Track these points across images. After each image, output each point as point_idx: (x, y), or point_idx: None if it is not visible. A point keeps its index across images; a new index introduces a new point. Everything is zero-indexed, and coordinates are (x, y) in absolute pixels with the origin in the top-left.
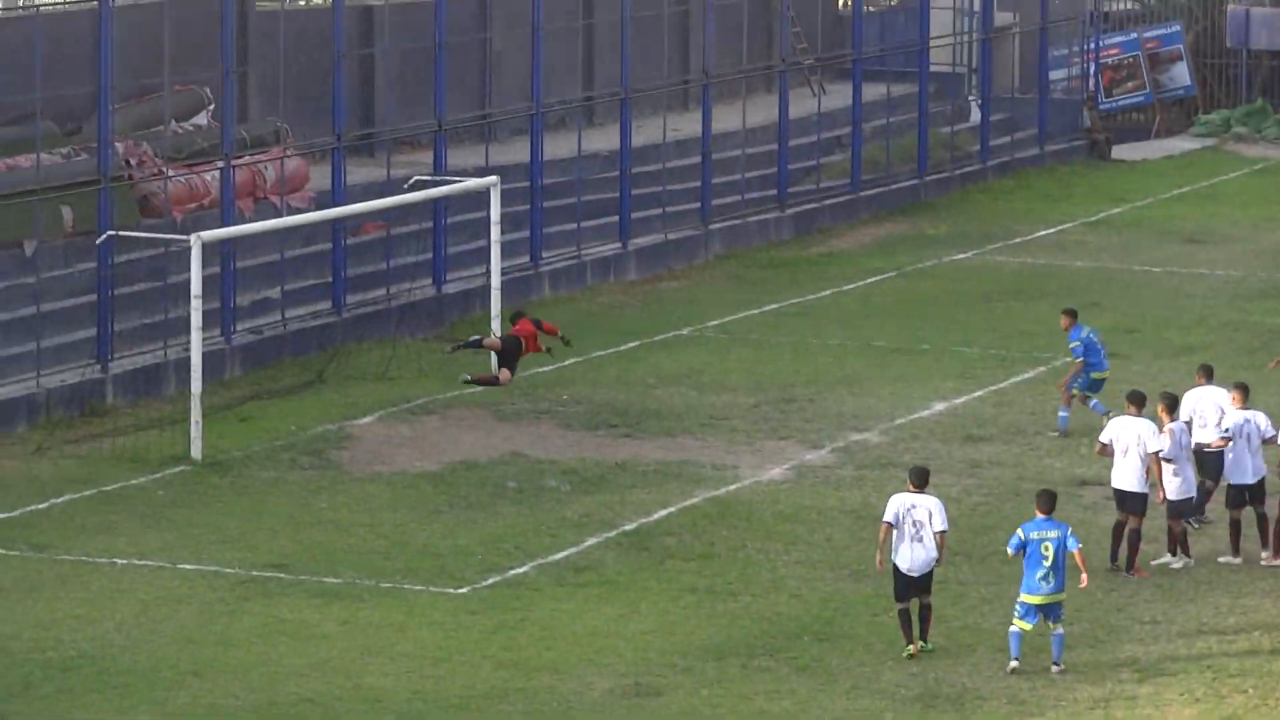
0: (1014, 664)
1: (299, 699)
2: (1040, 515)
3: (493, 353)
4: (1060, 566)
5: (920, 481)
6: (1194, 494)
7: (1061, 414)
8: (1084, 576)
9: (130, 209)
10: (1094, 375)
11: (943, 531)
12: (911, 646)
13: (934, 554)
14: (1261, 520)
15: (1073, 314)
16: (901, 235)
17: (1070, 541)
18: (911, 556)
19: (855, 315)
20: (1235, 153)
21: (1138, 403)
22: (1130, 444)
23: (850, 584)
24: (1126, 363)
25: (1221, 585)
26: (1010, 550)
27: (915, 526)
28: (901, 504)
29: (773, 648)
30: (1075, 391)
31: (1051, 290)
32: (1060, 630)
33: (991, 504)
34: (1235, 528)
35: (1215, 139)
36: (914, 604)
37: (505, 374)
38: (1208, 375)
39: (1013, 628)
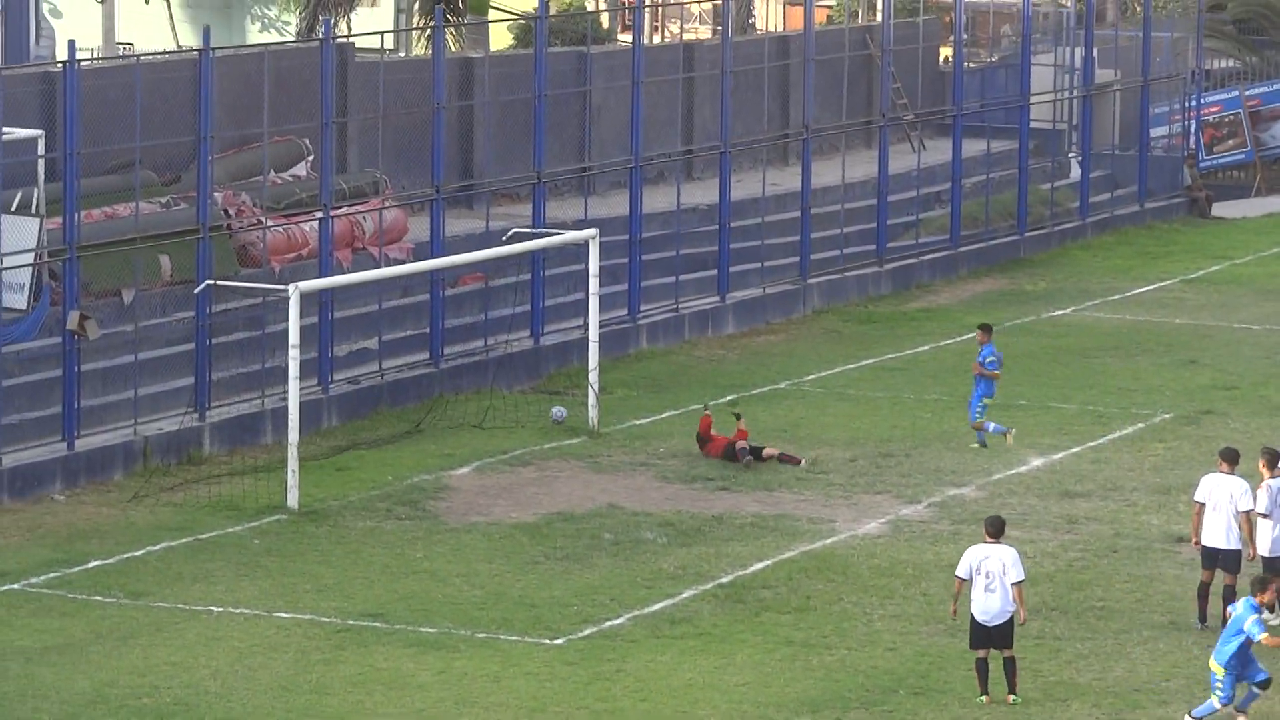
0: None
1: None
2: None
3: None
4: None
5: (995, 532)
6: None
7: (993, 427)
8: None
9: (229, 259)
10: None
11: (1018, 583)
12: (984, 697)
13: (1010, 605)
14: None
15: (988, 330)
16: (1000, 291)
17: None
18: (985, 607)
19: (953, 371)
20: None
21: (1231, 460)
22: (1222, 501)
23: (945, 638)
24: (1224, 420)
25: None
26: None
27: (988, 577)
28: (975, 556)
29: (868, 701)
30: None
31: (1150, 347)
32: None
33: (1088, 560)
34: None
35: None
36: (996, 656)
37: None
38: None
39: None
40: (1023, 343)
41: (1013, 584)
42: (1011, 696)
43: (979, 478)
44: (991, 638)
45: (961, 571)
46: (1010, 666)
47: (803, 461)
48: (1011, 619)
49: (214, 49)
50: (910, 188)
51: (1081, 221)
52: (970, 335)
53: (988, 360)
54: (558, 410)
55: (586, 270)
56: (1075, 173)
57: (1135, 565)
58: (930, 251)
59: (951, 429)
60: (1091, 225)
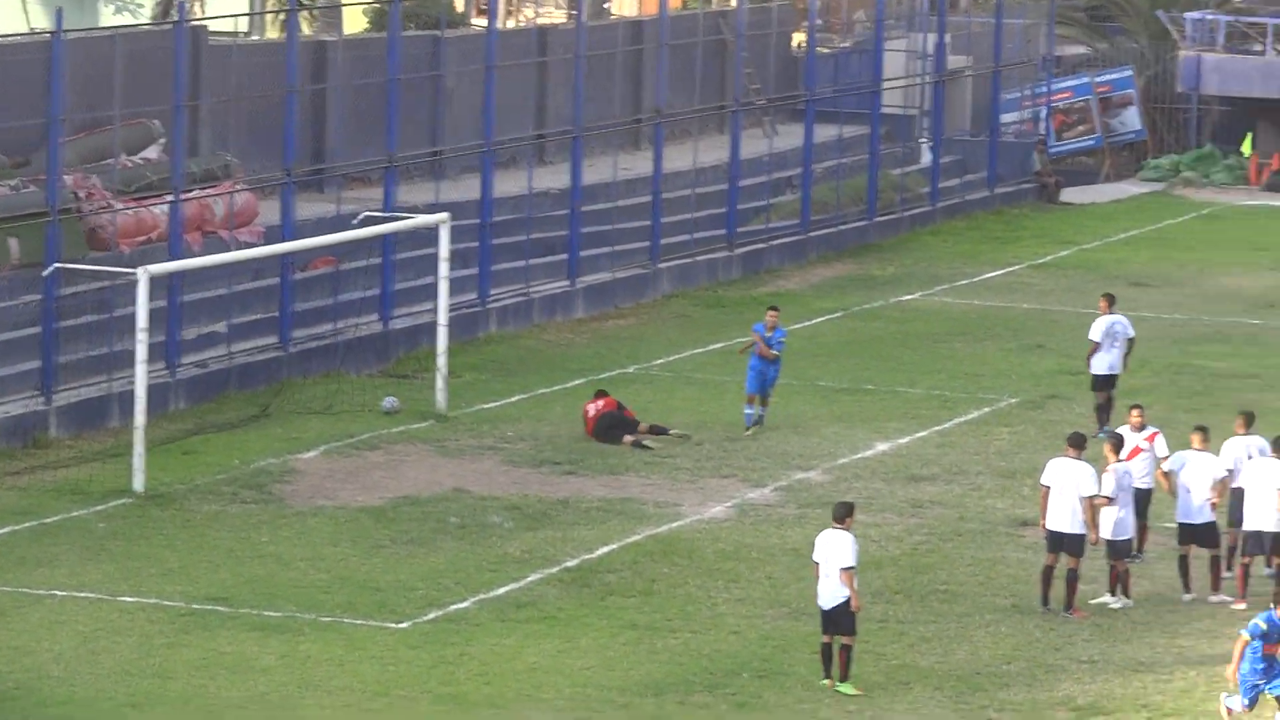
0: None
1: None
2: None
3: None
4: None
5: (836, 517)
6: (1132, 534)
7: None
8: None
9: (78, 242)
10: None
11: (845, 569)
12: (827, 680)
13: (840, 590)
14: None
15: (777, 310)
16: (849, 276)
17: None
18: (821, 592)
19: (801, 355)
20: (1183, 197)
21: (1077, 445)
22: (1067, 486)
23: (790, 622)
24: (1069, 404)
25: (1159, 625)
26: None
27: (827, 563)
28: (819, 542)
29: (711, 684)
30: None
31: (997, 332)
32: None
33: (932, 543)
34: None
35: (1164, 184)
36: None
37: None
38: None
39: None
40: (870, 327)
41: (841, 570)
42: (833, 683)
43: (825, 461)
44: (828, 623)
45: (816, 557)
46: (841, 654)
47: (671, 431)
48: (846, 604)
49: (66, 31)
50: (762, 173)
51: (932, 207)
52: (822, 319)
53: (778, 341)
54: (388, 400)
55: (437, 254)
56: (926, 158)
57: (979, 549)
58: (780, 236)
59: (798, 413)
60: (941, 210)
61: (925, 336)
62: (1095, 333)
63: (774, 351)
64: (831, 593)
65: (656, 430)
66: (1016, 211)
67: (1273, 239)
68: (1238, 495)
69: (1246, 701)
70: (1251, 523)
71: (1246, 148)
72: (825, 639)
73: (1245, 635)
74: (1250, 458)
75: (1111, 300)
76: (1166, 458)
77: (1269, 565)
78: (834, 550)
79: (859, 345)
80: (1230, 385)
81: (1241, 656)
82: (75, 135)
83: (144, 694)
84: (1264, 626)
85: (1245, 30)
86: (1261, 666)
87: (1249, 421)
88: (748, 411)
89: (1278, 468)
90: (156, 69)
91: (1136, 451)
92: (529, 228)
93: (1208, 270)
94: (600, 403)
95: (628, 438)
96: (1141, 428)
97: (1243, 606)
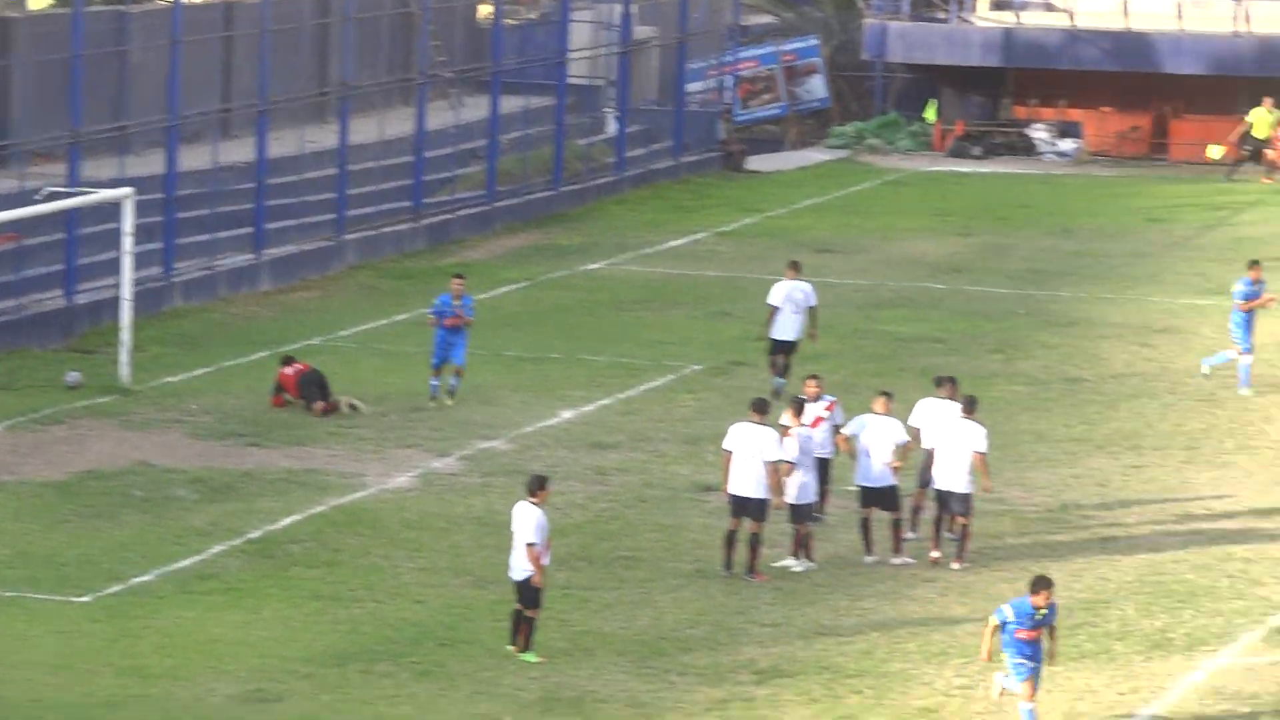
0: None
1: None
2: None
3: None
4: None
5: (529, 490)
6: (815, 498)
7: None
8: None
9: None
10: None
11: (528, 544)
12: (512, 646)
13: (525, 564)
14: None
15: (462, 278)
16: (535, 246)
17: None
18: (511, 563)
19: (486, 325)
20: (868, 164)
21: (761, 410)
22: (750, 450)
23: (474, 590)
24: (754, 371)
25: (840, 588)
26: None
27: (515, 535)
28: (513, 512)
29: (394, 653)
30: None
31: (683, 300)
32: None
33: (616, 510)
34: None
35: (849, 150)
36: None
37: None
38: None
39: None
40: (556, 297)
41: (525, 545)
42: (518, 648)
43: (509, 431)
44: (519, 594)
45: (511, 528)
46: (522, 621)
47: (343, 404)
48: (528, 579)
49: None
50: (448, 144)
51: (618, 176)
52: (507, 289)
53: (468, 308)
54: (72, 375)
55: (121, 229)
56: (612, 128)
57: (663, 515)
58: (466, 207)
59: (483, 382)
60: (628, 180)
61: (611, 305)
62: (774, 297)
63: (468, 317)
64: (520, 565)
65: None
66: (702, 180)
67: (956, 204)
68: (928, 457)
69: (1026, 685)
70: (941, 483)
71: (930, 114)
72: (518, 607)
73: (994, 620)
74: (943, 421)
75: (797, 267)
76: (844, 425)
77: (950, 530)
78: (520, 524)
79: (544, 315)
80: (914, 350)
81: (1001, 643)
82: None
83: None
84: (1011, 615)
85: None
86: (1028, 651)
87: (941, 384)
88: (433, 383)
89: (969, 429)
90: None
91: (818, 421)
92: (214, 202)
93: (892, 236)
94: (294, 367)
95: (324, 403)
96: (818, 398)
97: (957, 567)
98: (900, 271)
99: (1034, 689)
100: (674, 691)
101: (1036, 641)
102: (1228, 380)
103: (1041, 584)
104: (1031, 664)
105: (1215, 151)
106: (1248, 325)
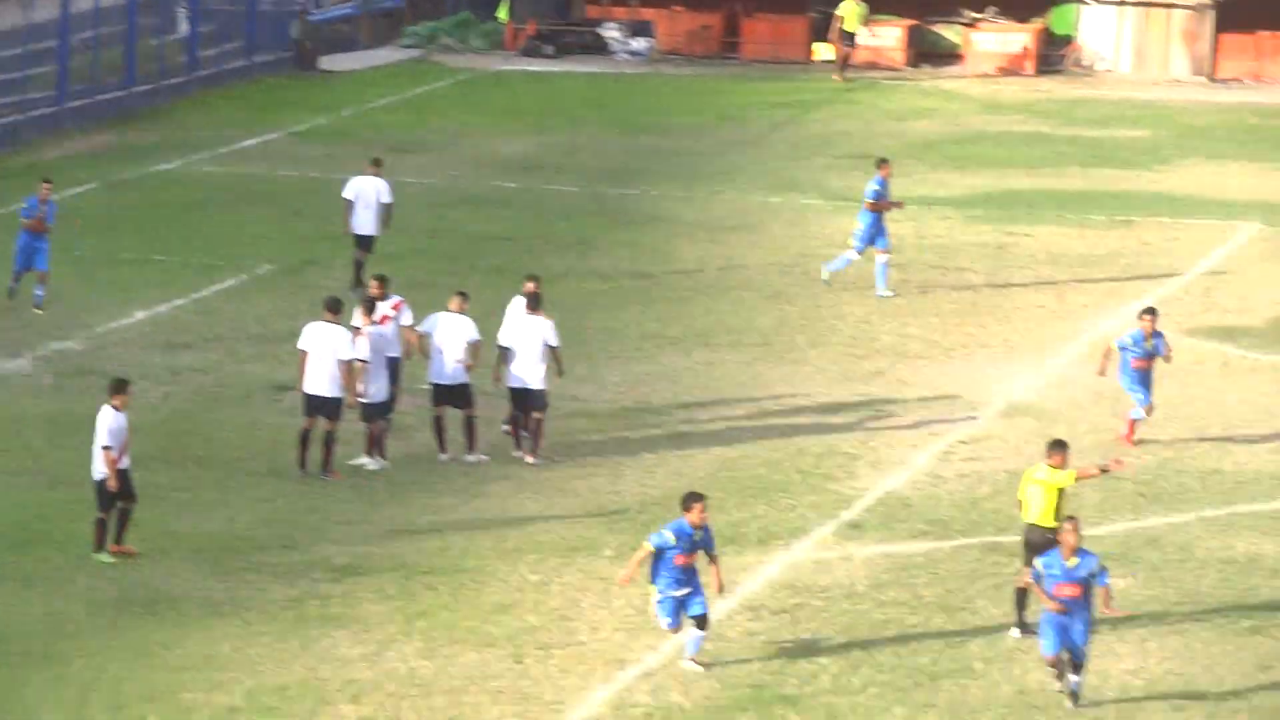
0: None
1: None
2: None
3: None
4: None
5: (109, 393)
6: (388, 398)
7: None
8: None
9: None
10: None
11: (103, 447)
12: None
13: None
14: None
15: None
16: (107, 147)
17: None
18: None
19: (58, 226)
20: (441, 63)
21: (334, 309)
22: (324, 350)
23: (47, 491)
24: (327, 269)
25: (416, 486)
26: None
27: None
28: None
29: None
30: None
31: (257, 200)
32: None
33: (191, 409)
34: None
35: (423, 50)
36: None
37: None
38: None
39: None
40: (128, 198)
41: (101, 448)
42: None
43: (82, 331)
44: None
45: None
46: (97, 525)
47: None
48: (102, 481)
49: None
50: (17, 45)
51: (190, 76)
52: (79, 189)
53: (51, 213)
54: None
55: None
56: (185, 28)
57: (237, 414)
58: (36, 108)
59: (57, 284)
60: (200, 80)
61: (184, 205)
62: (348, 192)
63: (49, 223)
64: (97, 467)
65: None
66: (275, 80)
67: (528, 104)
68: (507, 355)
69: (670, 622)
70: (516, 381)
71: (503, 13)
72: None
73: (649, 545)
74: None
75: (379, 164)
76: (414, 325)
77: (525, 428)
78: (98, 427)
79: (116, 216)
80: (486, 248)
81: (649, 570)
82: None
83: None
84: (672, 538)
85: None
86: (679, 578)
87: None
88: (11, 285)
89: (539, 324)
90: None
91: (386, 319)
92: None
93: (464, 135)
94: None
95: None
96: (384, 296)
97: (532, 460)
98: (473, 171)
99: (677, 623)
100: (249, 590)
101: (692, 567)
102: (801, 277)
103: (693, 499)
104: (682, 592)
105: (824, 51)
106: (877, 226)
